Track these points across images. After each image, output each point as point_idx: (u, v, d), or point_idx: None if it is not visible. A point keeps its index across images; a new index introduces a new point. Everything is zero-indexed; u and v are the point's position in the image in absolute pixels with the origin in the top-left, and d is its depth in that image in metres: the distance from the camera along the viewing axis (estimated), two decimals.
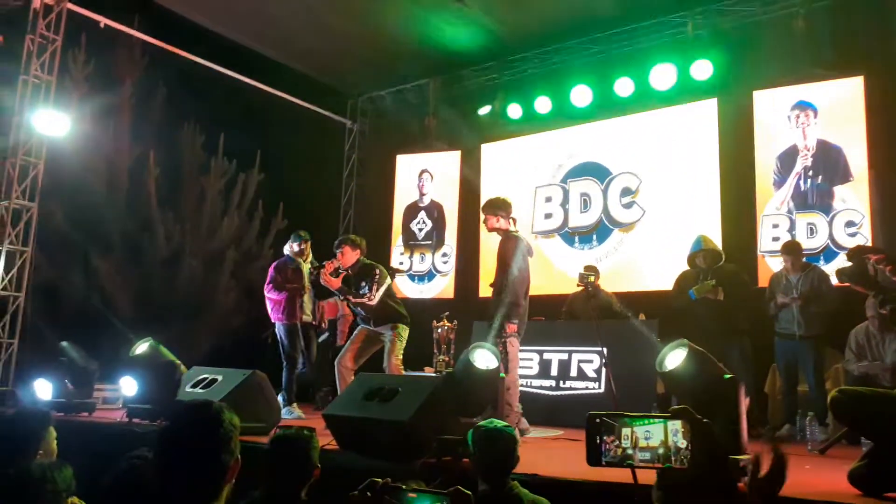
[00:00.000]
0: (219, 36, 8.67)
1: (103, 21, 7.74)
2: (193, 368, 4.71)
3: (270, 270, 6.39)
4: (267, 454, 2.69)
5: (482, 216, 5.18)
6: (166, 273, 8.23)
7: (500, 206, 5.06)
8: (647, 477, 1.64)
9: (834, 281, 5.98)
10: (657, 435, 1.38)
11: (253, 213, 9.01)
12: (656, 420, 1.39)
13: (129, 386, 5.76)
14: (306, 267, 6.41)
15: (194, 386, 4.42)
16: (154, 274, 8.13)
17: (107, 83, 7.99)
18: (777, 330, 5.84)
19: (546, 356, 6.50)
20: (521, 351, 6.64)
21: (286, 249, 6.52)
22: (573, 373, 6.19)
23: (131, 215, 8.12)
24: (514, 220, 5.11)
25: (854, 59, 6.81)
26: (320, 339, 7.39)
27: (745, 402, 3.10)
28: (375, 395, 3.66)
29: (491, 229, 5.10)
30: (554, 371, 6.31)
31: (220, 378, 4.35)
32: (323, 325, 7.23)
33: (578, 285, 6.22)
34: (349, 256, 5.40)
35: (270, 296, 6.27)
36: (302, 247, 6.43)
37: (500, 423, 2.74)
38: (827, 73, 6.89)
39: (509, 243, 4.96)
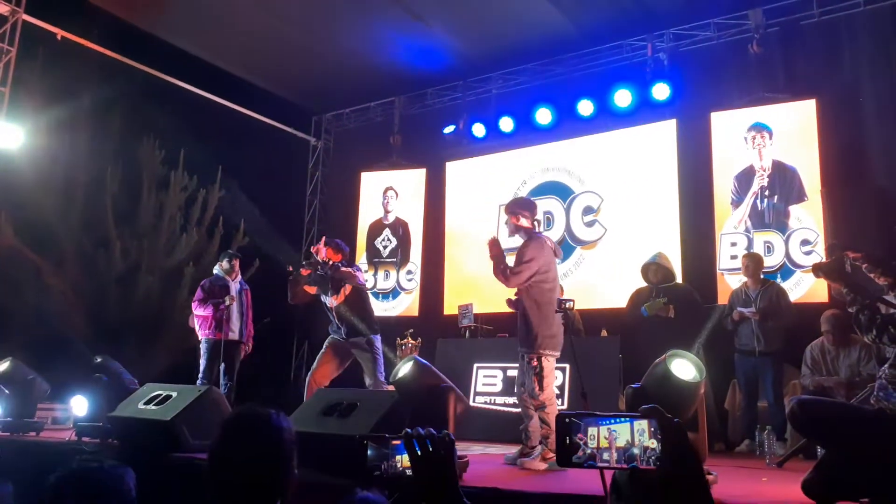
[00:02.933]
0: (181, 51, 8.58)
1: (60, 33, 7.60)
2: (147, 385, 4.57)
3: (198, 288, 6.61)
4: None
5: (505, 217, 4.60)
6: (122, 289, 8.02)
7: (522, 206, 4.56)
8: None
9: (791, 298, 6.13)
10: (623, 435, 1.36)
11: (213, 229, 8.85)
12: (623, 419, 1.37)
13: (79, 406, 5.59)
14: (235, 286, 6.61)
15: (148, 402, 4.29)
16: (110, 290, 7.92)
17: (64, 96, 7.80)
18: (737, 346, 5.93)
19: (510, 373, 6.49)
20: (484, 368, 6.70)
21: (216, 268, 6.74)
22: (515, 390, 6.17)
23: (87, 230, 7.91)
24: (539, 221, 4.63)
25: (806, 83, 7.03)
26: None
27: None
28: (334, 410, 3.58)
29: (512, 233, 4.54)
30: (517, 388, 6.28)
31: (174, 394, 4.22)
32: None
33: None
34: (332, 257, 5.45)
35: (197, 312, 6.45)
36: (231, 264, 6.65)
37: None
38: (781, 95, 7.09)
39: (529, 243, 4.37)
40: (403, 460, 1.63)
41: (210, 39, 8.49)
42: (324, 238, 5.60)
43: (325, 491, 2.86)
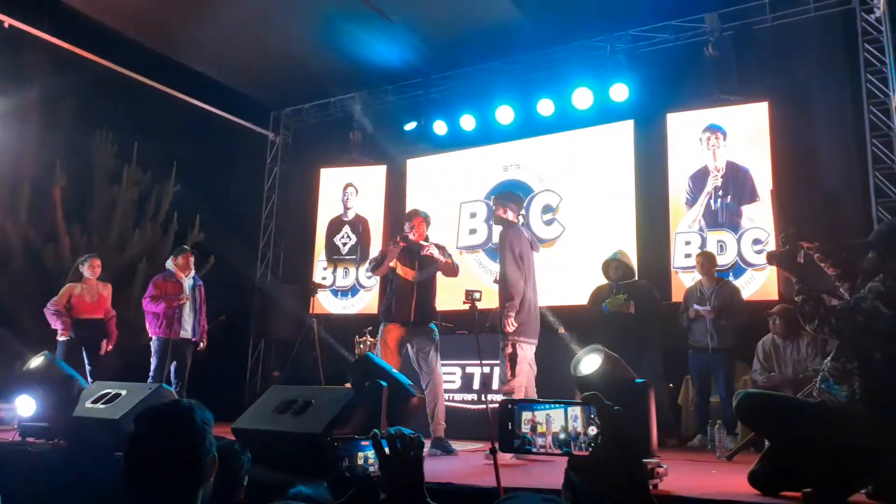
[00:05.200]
0: (135, 42, 8.36)
1: (7, 21, 7.34)
2: (95, 383, 4.45)
3: (150, 284, 6.46)
4: None
5: (493, 206, 4.97)
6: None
7: (510, 199, 4.88)
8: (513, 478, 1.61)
9: (743, 296, 6.28)
10: (558, 420, 1.35)
11: (167, 225, 8.65)
12: (557, 405, 1.37)
13: (24, 405, 5.41)
14: (188, 282, 6.48)
15: (96, 401, 4.17)
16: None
17: (11, 85, 7.54)
18: (691, 343, 6.05)
19: (469, 370, 6.51)
20: (444, 364, 6.68)
21: (168, 263, 6.59)
22: (495, 386, 6.18)
23: (35, 225, 7.66)
24: (523, 216, 4.88)
25: (759, 86, 7.19)
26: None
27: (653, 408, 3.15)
28: (288, 407, 3.53)
29: (497, 222, 4.93)
30: (476, 385, 6.31)
31: (123, 392, 4.12)
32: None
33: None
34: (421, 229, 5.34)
35: (148, 308, 6.31)
36: (184, 259, 6.51)
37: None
38: (735, 97, 7.25)
39: (507, 232, 4.70)
40: (368, 457, 1.66)
41: (165, 32, 8.28)
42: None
43: (275, 489, 2.82)
